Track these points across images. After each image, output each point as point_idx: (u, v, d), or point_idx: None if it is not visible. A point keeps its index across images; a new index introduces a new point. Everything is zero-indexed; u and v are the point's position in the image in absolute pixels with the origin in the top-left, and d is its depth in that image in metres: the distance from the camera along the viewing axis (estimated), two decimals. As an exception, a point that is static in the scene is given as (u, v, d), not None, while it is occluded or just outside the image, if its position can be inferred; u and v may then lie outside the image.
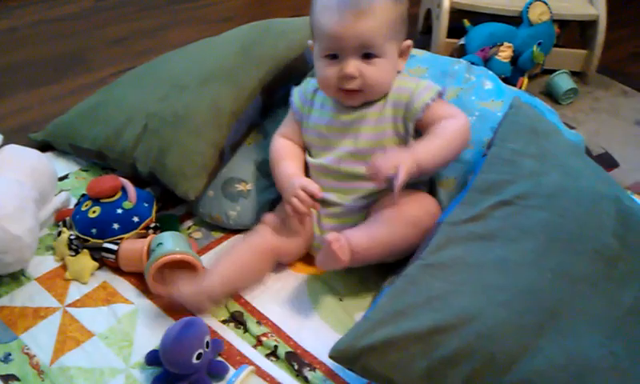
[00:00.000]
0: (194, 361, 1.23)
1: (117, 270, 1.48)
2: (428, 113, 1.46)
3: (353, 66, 1.41)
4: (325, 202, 1.50)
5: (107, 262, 1.48)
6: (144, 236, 1.50)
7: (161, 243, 1.42)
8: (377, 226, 1.40)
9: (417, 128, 1.47)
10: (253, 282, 1.48)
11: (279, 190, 1.53)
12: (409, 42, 1.50)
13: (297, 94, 1.59)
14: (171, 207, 1.67)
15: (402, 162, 1.34)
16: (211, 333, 1.35)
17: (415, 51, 1.77)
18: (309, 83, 1.58)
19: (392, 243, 1.38)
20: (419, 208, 1.43)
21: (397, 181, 1.33)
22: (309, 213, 1.46)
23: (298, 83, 1.75)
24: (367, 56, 1.42)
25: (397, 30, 1.44)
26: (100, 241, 1.47)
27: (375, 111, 1.48)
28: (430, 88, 1.48)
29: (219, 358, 1.31)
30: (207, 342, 1.26)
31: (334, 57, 1.43)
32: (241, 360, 1.31)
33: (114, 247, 1.46)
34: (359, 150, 1.48)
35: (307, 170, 1.55)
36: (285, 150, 1.57)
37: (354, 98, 1.47)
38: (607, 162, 1.96)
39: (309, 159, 1.54)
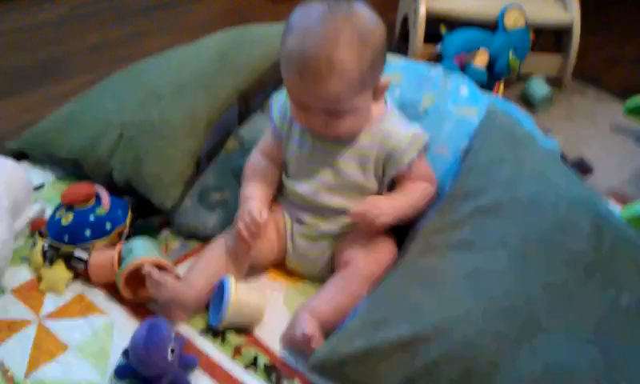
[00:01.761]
0: (170, 357, 1.23)
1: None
2: (412, 167, 1.44)
3: (319, 120, 1.37)
4: (300, 221, 1.50)
5: (78, 271, 1.46)
6: (116, 243, 1.49)
7: (131, 250, 1.42)
8: (336, 294, 1.38)
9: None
10: None
11: None
12: (386, 81, 1.41)
13: (276, 108, 1.52)
14: (148, 216, 1.66)
15: (384, 214, 1.39)
16: (188, 344, 1.35)
17: (392, 58, 1.78)
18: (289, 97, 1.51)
19: (351, 306, 1.33)
20: (375, 264, 1.41)
21: (373, 226, 1.40)
22: (250, 240, 1.42)
23: (274, 90, 1.75)
24: (335, 113, 1.36)
25: (367, 80, 1.34)
26: (72, 247, 1.46)
27: (360, 148, 1.45)
28: (418, 138, 1.45)
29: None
30: (174, 337, 1.27)
31: (301, 106, 1.38)
32: (219, 371, 1.30)
33: (85, 256, 1.45)
34: (338, 185, 1.46)
35: (281, 189, 1.54)
36: (253, 170, 1.53)
37: (327, 137, 1.43)
38: (583, 168, 1.97)
39: (285, 180, 1.52)
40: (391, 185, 1.49)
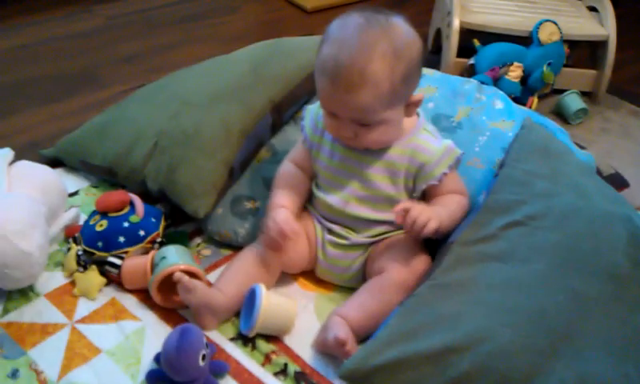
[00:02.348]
0: (201, 363, 1.24)
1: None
2: (443, 181, 1.43)
3: (348, 129, 1.37)
4: (331, 231, 1.50)
5: (111, 276, 1.48)
6: (149, 250, 1.50)
7: (164, 257, 1.43)
8: (369, 300, 1.38)
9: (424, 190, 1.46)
10: None
11: None
12: (419, 96, 1.41)
13: (308, 119, 1.53)
14: (181, 224, 1.67)
15: (433, 218, 1.35)
16: (218, 351, 1.35)
17: (426, 70, 1.78)
18: (321, 108, 1.47)
19: (383, 313, 1.32)
20: (409, 272, 1.40)
21: (423, 232, 1.35)
22: (276, 249, 1.43)
23: (307, 102, 1.76)
24: (365, 124, 1.36)
25: (399, 93, 1.34)
26: (105, 254, 1.47)
27: (390, 161, 1.44)
28: (450, 153, 1.44)
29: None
30: (206, 343, 1.28)
31: (332, 114, 1.38)
32: (249, 378, 1.30)
33: (118, 262, 1.46)
34: (368, 196, 1.46)
35: (312, 199, 1.54)
36: (285, 178, 1.53)
37: (356, 147, 1.43)
38: (618, 182, 1.95)
39: (315, 191, 1.52)
40: (421, 198, 1.48)
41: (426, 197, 1.47)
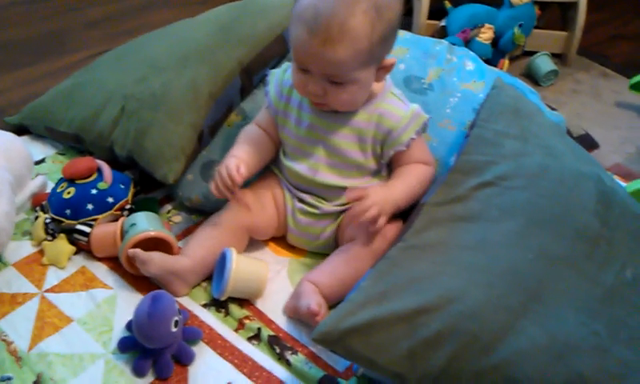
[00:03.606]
0: (173, 329, 1.23)
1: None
2: (411, 146, 1.42)
3: (318, 85, 1.33)
4: (301, 200, 1.49)
5: (80, 245, 1.46)
6: (118, 217, 1.49)
7: (134, 224, 1.41)
8: (340, 266, 1.38)
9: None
10: None
11: None
12: (392, 60, 1.38)
13: (273, 84, 1.50)
14: (150, 191, 1.65)
15: (383, 212, 1.35)
16: (191, 317, 1.35)
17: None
18: (285, 73, 1.48)
19: (354, 279, 1.30)
20: (383, 240, 1.39)
21: (375, 227, 1.35)
22: (222, 195, 1.41)
23: (278, 64, 1.73)
24: (334, 81, 1.33)
25: (375, 53, 1.31)
26: (74, 222, 1.45)
27: (358, 127, 1.42)
28: (418, 118, 1.42)
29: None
30: (178, 309, 1.27)
31: (303, 69, 1.35)
32: (222, 344, 1.30)
33: (87, 229, 1.45)
34: (336, 163, 1.44)
35: (281, 168, 1.53)
36: (246, 135, 1.51)
37: (323, 107, 1.41)
38: (588, 143, 1.97)
39: (283, 160, 1.50)
40: (388, 164, 1.48)
41: (392, 163, 1.46)
